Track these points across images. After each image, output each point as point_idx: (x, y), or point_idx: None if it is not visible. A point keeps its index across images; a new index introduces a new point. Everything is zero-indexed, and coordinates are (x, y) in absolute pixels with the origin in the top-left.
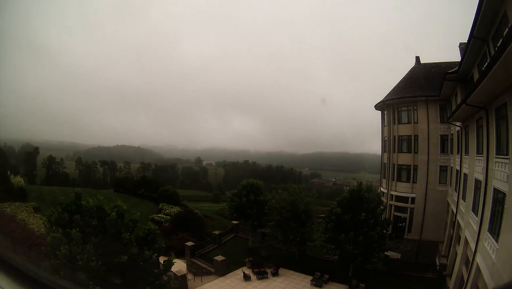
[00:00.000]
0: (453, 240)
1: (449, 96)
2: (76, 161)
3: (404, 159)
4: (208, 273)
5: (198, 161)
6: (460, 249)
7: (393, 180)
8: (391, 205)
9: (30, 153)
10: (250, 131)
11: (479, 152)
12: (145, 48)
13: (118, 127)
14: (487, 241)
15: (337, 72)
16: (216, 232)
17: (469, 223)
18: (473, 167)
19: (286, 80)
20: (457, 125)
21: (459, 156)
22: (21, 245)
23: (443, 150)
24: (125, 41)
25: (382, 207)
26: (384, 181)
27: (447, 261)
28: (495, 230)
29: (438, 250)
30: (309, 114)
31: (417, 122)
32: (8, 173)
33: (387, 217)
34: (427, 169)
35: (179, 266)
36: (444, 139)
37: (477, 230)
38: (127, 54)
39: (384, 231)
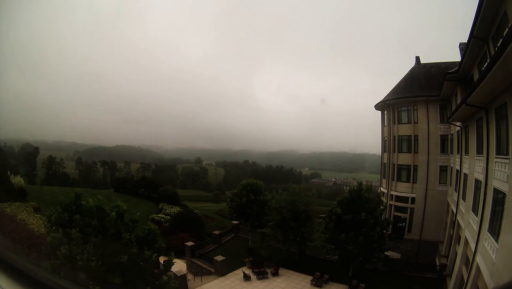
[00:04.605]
0: (453, 240)
1: (449, 96)
2: (76, 161)
3: (404, 159)
4: (208, 273)
5: (198, 161)
6: (460, 249)
7: (393, 180)
8: (391, 205)
9: (30, 153)
10: (250, 131)
11: (479, 152)
12: (145, 49)
13: (118, 127)
14: (487, 241)
15: (337, 72)
16: (216, 232)
17: (469, 223)
18: (473, 167)
19: (285, 79)
20: (457, 125)
21: (459, 156)
22: (21, 245)
23: (443, 150)
24: (125, 42)
25: (382, 207)
26: (384, 181)
27: (447, 261)
28: (495, 230)
29: (438, 250)
30: (310, 114)
31: (417, 122)
32: (8, 173)
33: (387, 217)
34: (427, 169)
35: (179, 266)
36: (444, 139)
37: (477, 230)
38: (127, 55)
39: (384, 231)
